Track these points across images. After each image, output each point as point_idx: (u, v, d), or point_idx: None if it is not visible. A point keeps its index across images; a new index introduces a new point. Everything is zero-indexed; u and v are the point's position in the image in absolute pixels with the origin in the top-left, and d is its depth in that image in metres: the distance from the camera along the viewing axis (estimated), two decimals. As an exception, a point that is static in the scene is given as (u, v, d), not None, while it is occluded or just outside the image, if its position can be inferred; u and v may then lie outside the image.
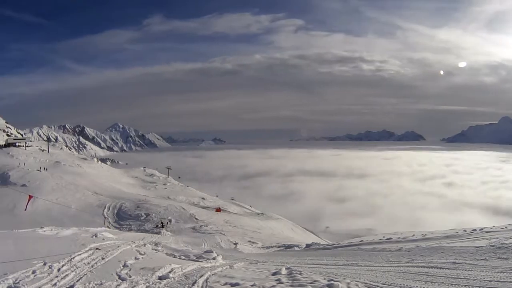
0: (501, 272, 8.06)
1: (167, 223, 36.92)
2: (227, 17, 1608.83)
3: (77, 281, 8.11)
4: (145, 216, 39.78)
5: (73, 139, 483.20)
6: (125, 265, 10.14)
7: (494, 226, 16.86)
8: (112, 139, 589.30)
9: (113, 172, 78.40)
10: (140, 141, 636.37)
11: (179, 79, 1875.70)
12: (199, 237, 29.95)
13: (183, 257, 14.80)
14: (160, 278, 9.01)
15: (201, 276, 9.29)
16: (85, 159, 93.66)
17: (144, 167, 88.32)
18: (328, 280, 7.97)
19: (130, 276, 8.91)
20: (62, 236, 15.48)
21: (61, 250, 10.97)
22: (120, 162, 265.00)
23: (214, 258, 14.61)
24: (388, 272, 9.45)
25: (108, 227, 33.25)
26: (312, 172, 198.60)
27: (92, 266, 9.65)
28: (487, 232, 15.35)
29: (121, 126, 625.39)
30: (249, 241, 29.80)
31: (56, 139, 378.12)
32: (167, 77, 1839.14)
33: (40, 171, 57.53)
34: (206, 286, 8.34)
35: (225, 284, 8.39)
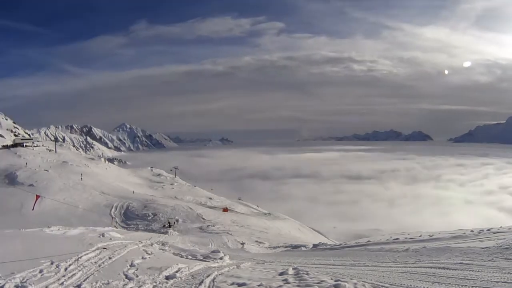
0: (508, 273, 7.98)
1: (174, 223, 36.98)
2: (209, 21, 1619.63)
3: (84, 281, 8.14)
4: (152, 216, 39.95)
5: (80, 139, 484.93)
6: (132, 265, 10.17)
7: (501, 227, 16.73)
8: (120, 139, 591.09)
9: (121, 172, 78.91)
10: (147, 141, 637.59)
11: (174, 80, 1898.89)
12: (206, 237, 30.04)
13: (190, 257, 14.83)
14: (167, 277, 9.04)
15: (208, 276, 9.31)
16: (93, 159, 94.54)
17: (152, 167, 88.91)
18: (335, 281, 7.94)
19: (137, 276, 8.95)
20: (70, 236, 15.56)
21: (68, 250, 11.05)
22: (127, 162, 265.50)
23: (221, 258, 14.60)
24: (395, 272, 9.40)
25: (115, 226, 33.37)
26: (350, 175, 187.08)
27: (99, 266, 9.71)
28: (494, 232, 15.25)
29: (128, 126, 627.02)
30: (256, 241, 29.86)
31: (64, 139, 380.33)
32: (164, 79, 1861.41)
33: (48, 171, 57.97)
34: (213, 286, 8.34)
35: (232, 284, 8.38)
